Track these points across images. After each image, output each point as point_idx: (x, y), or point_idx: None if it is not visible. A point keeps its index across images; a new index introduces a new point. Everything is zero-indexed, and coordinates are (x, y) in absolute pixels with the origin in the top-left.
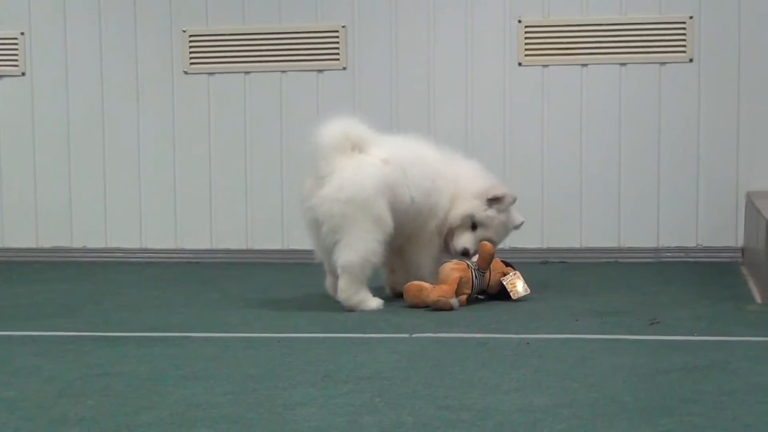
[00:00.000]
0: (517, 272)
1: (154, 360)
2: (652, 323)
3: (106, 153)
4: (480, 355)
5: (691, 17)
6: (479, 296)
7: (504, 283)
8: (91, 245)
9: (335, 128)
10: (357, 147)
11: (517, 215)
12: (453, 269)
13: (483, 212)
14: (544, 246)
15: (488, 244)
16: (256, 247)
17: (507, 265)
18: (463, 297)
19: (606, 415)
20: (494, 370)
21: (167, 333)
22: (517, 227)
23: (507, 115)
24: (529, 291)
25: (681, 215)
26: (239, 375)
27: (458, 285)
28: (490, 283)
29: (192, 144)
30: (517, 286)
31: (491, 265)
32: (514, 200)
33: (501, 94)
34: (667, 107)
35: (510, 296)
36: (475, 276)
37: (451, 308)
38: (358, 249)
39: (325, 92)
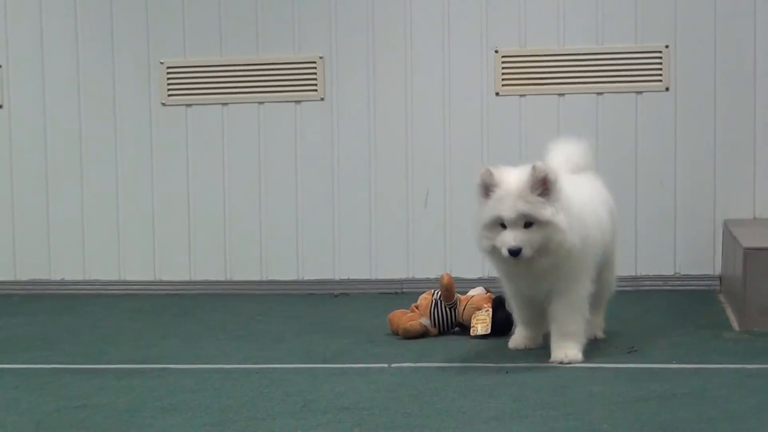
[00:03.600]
0: (490, 311)
1: (133, 392)
2: (630, 351)
3: (83, 184)
4: (459, 385)
5: (667, 46)
6: (455, 329)
7: (472, 317)
8: (69, 277)
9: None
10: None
11: None
12: (423, 298)
13: None
14: None
15: (444, 276)
16: (235, 278)
17: (498, 302)
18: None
19: None
20: (473, 400)
21: (146, 365)
22: None
23: (485, 144)
24: (489, 332)
25: (658, 243)
26: (218, 406)
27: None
28: (464, 316)
29: (170, 175)
30: (478, 327)
31: (473, 300)
32: None
33: (478, 124)
34: (644, 136)
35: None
36: (436, 306)
37: (419, 329)
38: None
39: (303, 123)
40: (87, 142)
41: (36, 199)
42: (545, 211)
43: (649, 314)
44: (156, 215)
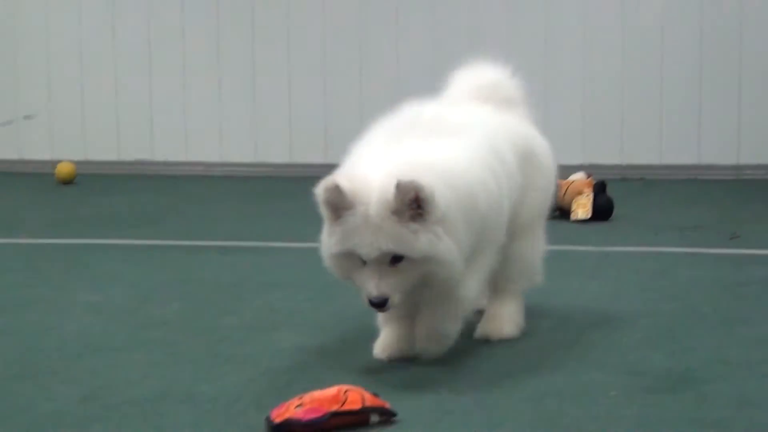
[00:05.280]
0: (591, 195)
1: (236, 267)
2: (732, 238)
3: (185, 66)
4: (560, 266)
5: None
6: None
7: (573, 201)
8: (171, 158)
9: None
10: None
11: None
12: None
13: None
14: (623, 162)
15: None
16: (333, 161)
17: (599, 185)
18: None
19: (685, 325)
20: (574, 280)
21: (248, 242)
22: None
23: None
24: (589, 216)
25: (762, 132)
26: (318, 283)
27: None
28: (564, 199)
29: (270, 58)
30: (578, 212)
31: (574, 185)
32: None
33: None
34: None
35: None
36: None
37: None
38: None
39: None
40: (191, 26)
41: (139, 81)
42: (419, 245)
43: (752, 203)
44: (257, 98)
